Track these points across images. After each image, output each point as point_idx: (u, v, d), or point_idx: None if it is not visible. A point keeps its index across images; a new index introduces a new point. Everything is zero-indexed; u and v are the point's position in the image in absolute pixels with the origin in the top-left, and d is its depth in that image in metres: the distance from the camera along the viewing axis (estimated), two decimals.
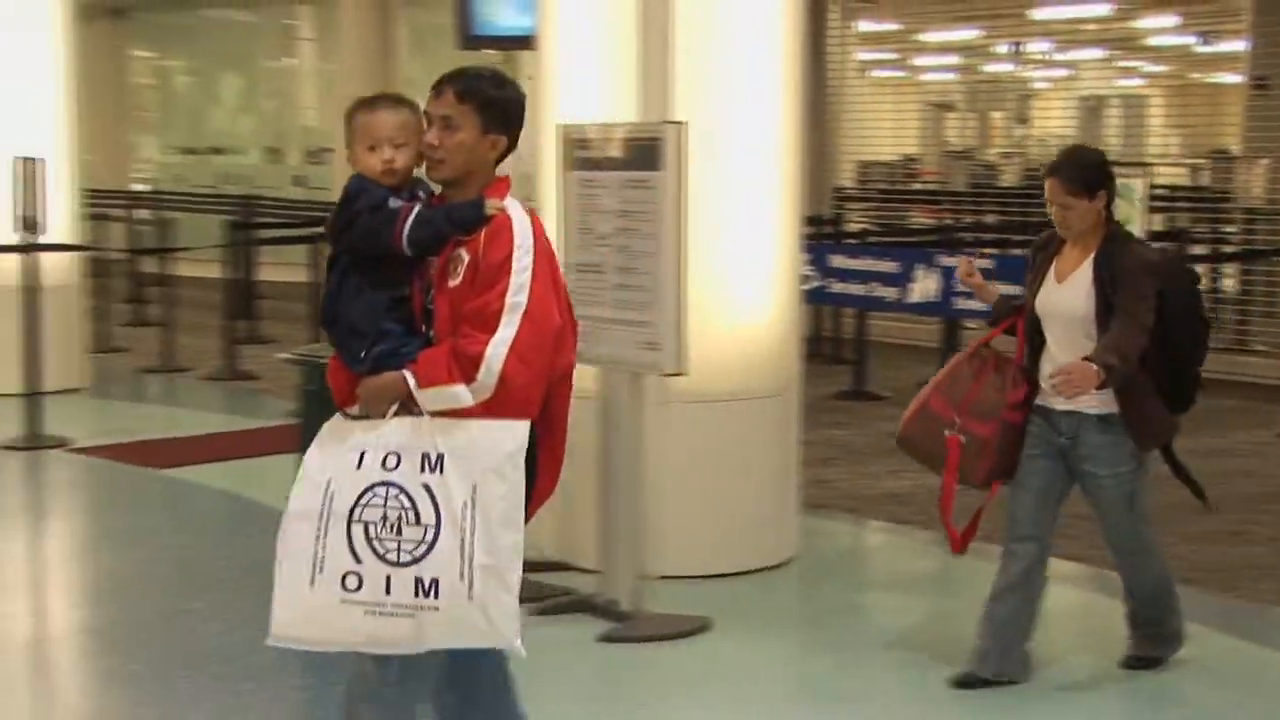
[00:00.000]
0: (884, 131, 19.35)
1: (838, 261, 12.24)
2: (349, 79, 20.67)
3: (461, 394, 4.05)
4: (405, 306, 4.22)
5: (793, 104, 7.59)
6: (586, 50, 7.47)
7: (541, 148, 7.48)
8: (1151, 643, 6.31)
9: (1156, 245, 6.49)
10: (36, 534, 8.98)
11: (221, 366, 13.87)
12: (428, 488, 4.08)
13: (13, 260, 11.44)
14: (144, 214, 19.52)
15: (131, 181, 24.44)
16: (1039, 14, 17.93)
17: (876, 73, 20.39)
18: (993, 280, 6.58)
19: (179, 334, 14.58)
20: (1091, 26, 19.01)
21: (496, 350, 4.02)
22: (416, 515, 4.08)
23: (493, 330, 4.03)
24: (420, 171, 4.32)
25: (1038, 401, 5.95)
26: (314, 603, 4.16)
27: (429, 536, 4.07)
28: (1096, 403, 5.77)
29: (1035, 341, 5.98)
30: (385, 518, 4.08)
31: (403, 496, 4.09)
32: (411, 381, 4.08)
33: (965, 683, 6.06)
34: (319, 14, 22.63)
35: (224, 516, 9.33)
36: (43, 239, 11.39)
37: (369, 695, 4.36)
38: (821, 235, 15.09)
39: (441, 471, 4.08)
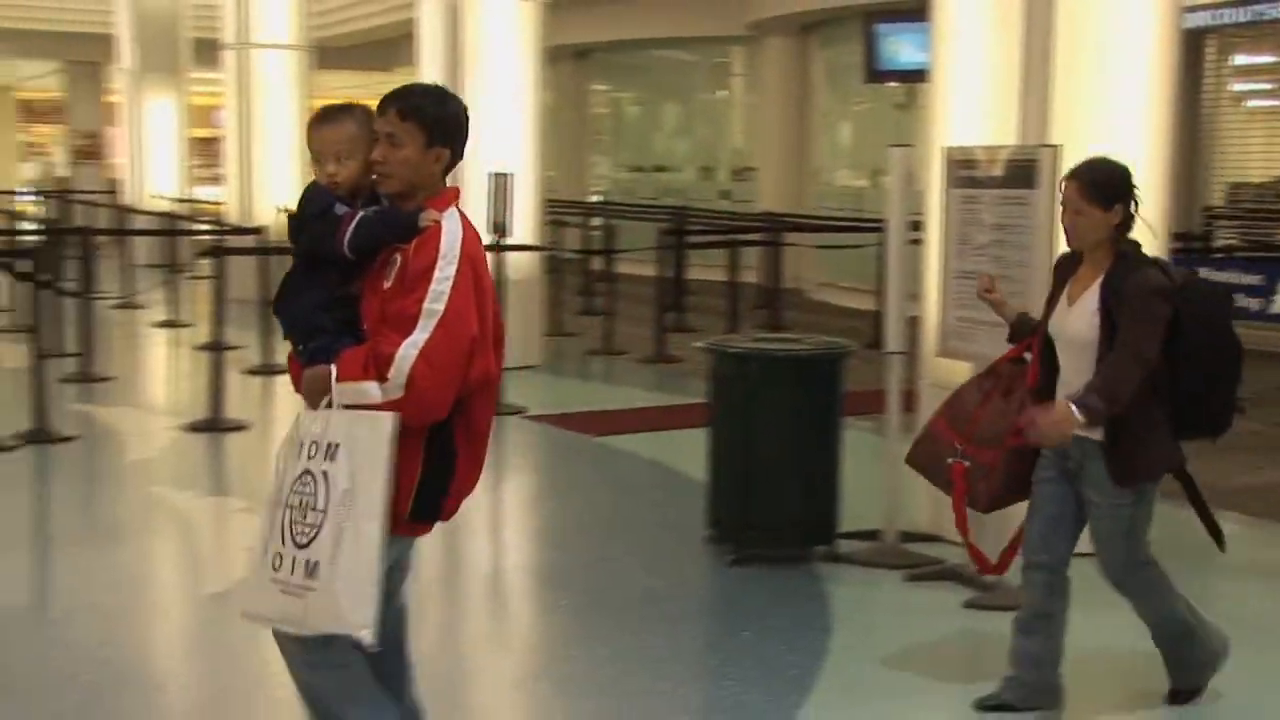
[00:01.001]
0: (1254, 156, 18.52)
1: (1204, 274, 11.76)
2: (770, 108, 20.73)
3: (372, 390, 3.79)
4: (350, 306, 3.96)
5: (1163, 128, 7.23)
6: (971, 82, 7.32)
7: (931, 168, 7.36)
8: (1181, 674, 5.35)
9: (1180, 268, 5.26)
10: (495, 487, 9.19)
11: (652, 351, 14.02)
12: (325, 475, 3.83)
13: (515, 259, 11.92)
14: (595, 221, 19.99)
15: (587, 194, 25.02)
16: None
17: (1252, 103, 19.45)
18: None
19: (619, 322, 14.84)
20: None
21: (407, 353, 3.75)
22: (315, 501, 3.84)
23: (408, 333, 3.77)
24: None
25: None
26: (260, 581, 3.94)
27: (319, 521, 3.82)
28: (1103, 429, 4.94)
29: (1050, 364, 5.10)
30: (302, 503, 3.85)
31: (311, 483, 3.85)
32: (333, 375, 3.85)
33: (990, 706, 5.26)
34: (747, 53, 22.77)
35: (645, 478, 9.42)
36: (510, 241, 11.77)
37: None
38: (1190, 250, 14.60)
39: (333, 460, 3.83)
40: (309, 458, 3.84)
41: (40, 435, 9.98)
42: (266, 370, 12.74)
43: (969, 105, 7.36)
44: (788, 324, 15.13)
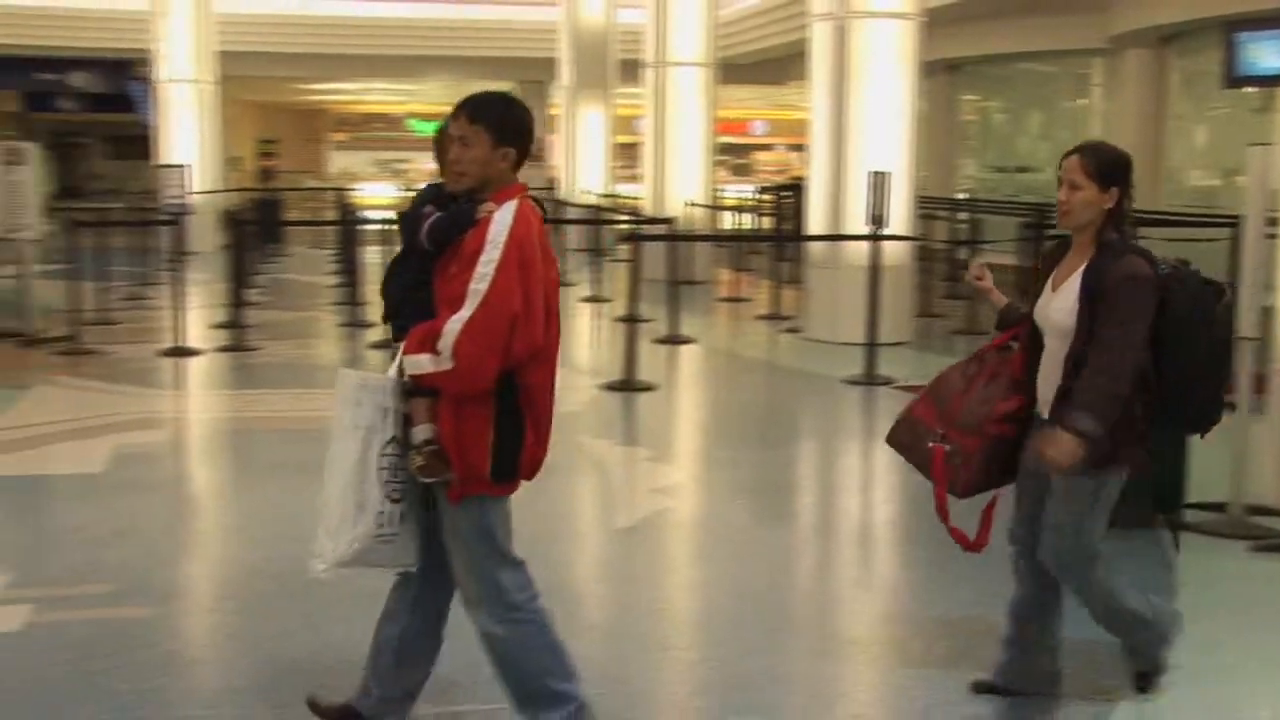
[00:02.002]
0: None
1: None
2: (1127, 114, 19.76)
3: (424, 362, 3.72)
4: (430, 288, 3.89)
5: None
6: None
7: None
8: (1138, 658, 4.65)
9: (1170, 258, 4.46)
10: (866, 452, 9.06)
11: None
12: (401, 442, 3.85)
13: (864, 247, 11.76)
14: (961, 216, 19.49)
15: (954, 192, 24.43)
16: None
17: None
18: None
19: (982, 305, 14.35)
20: None
21: (451, 328, 3.68)
22: (402, 463, 3.85)
23: (448, 315, 3.72)
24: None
25: (1036, 413, 4.39)
26: (355, 535, 3.83)
27: (406, 479, 3.87)
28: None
29: (1036, 352, 4.39)
30: (390, 466, 3.83)
31: (400, 449, 3.85)
32: (403, 361, 3.80)
33: (985, 689, 4.66)
34: (1107, 64, 21.77)
35: None
36: (886, 232, 11.56)
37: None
38: None
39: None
40: (396, 427, 3.84)
41: None
42: (673, 340, 12.85)
43: None
44: None
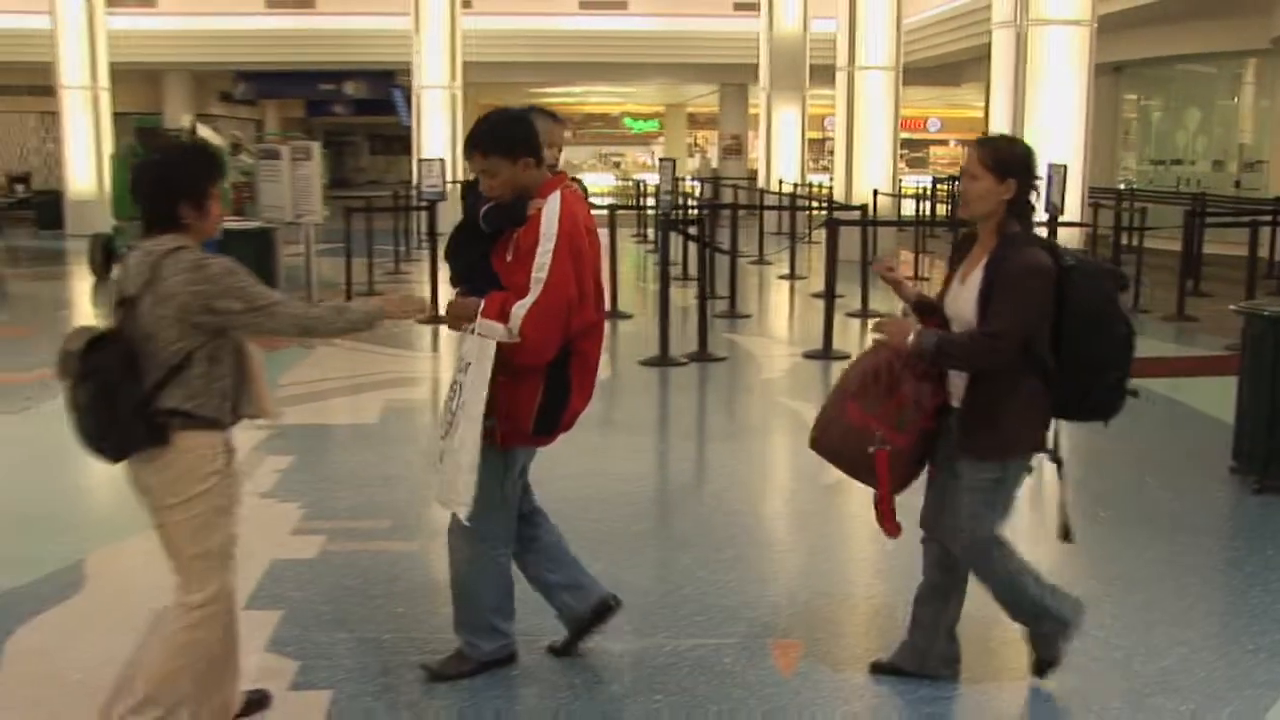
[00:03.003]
0: None
1: None
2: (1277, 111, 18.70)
3: (499, 330, 3.76)
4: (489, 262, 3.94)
5: None
6: None
7: None
8: (1040, 646, 4.13)
9: (1074, 250, 4.00)
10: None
11: (1174, 311, 12.90)
12: (458, 384, 3.85)
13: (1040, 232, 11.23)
14: (1125, 206, 18.67)
15: (1115, 182, 23.47)
16: None
17: None
18: None
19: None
20: None
21: (518, 313, 3.76)
22: (451, 403, 3.88)
23: (523, 297, 3.78)
24: None
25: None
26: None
27: (451, 420, 3.86)
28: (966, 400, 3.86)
29: None
30: (446, 404, 3.92)
31: (455, 390, 3.87)
32: (480, 308, 3.81)
33: (884, 669, 4.20)
34: (1260, 65, 20.64)
35: (1171, 417, 8.59)
36: (1062, 219, 11.11)
37: None
38: None
39: (465, 372, 3.83)
40: (457, 370, 3.86)
41: (702, 355, 10.27)
42: (864, 314, 12.59)
43: None
44: None
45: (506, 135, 3.86)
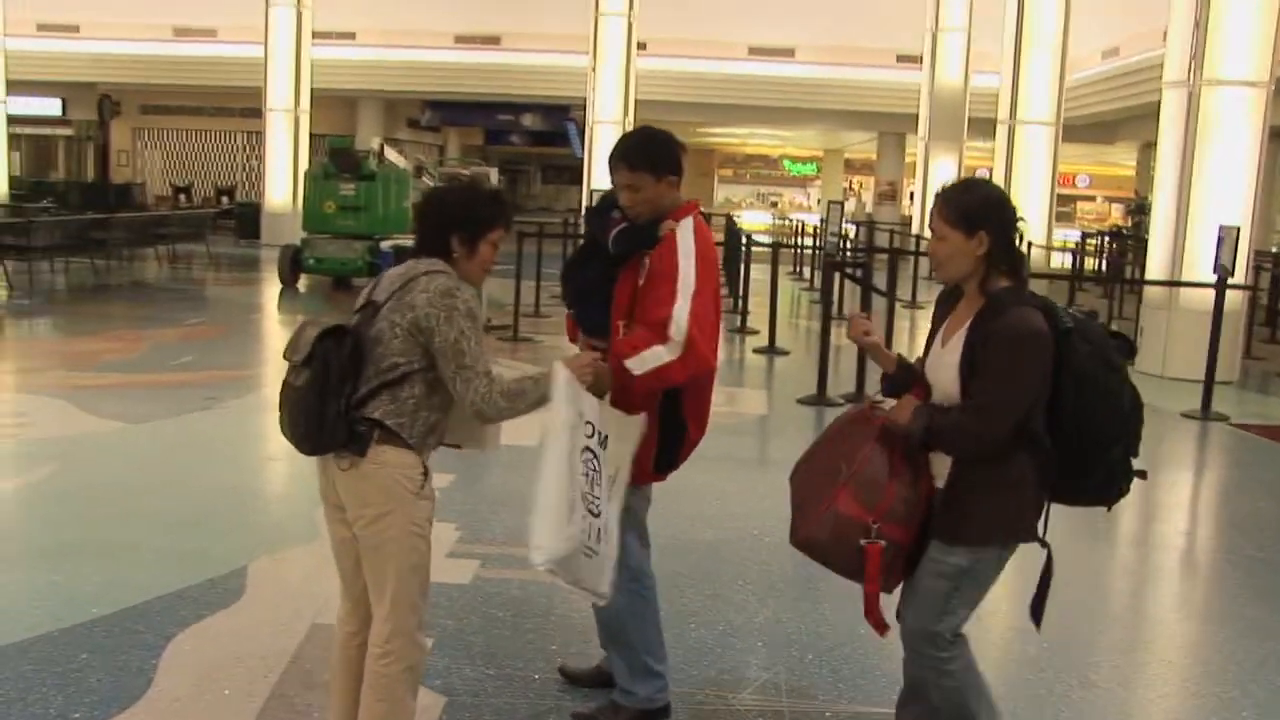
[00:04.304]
0: None
1: None
2: None
3: (661, 352, 3.35)
4: (610, 286, 3.58)
5: None
6: None
7: None
8: None
9: (1074, 311, 3.09)
10: (1196, 484, 8.04)
11: None
12: (598, 457, 3.31)
13: (1208, 294, 10.43)
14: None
15: (1269, 246, 22.18)
16: None
17: None
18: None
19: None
20: None
21: (680, 313, 3.35)
22: (599, 478, 3.31)
23: (665, 312, 3.35)
24: None
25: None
26: (569, 534, 3.22)
27: (603, 495, 3.33)
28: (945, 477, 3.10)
29: None
30: (588, 475, 3.27)
31: (595, 461, 3.30)
32: (627, 364, 3.36)
33: None
34: None
35: None
36: (1231, 281, 10.32)
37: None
38: None
39: (605, 448, 3.32)
40: (587, 436, 3.28)
41: (859, 396, 9.77)
42: None
43: None
44: None
45: (655, 152, 3.58)
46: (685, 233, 3.54)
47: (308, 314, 13.90)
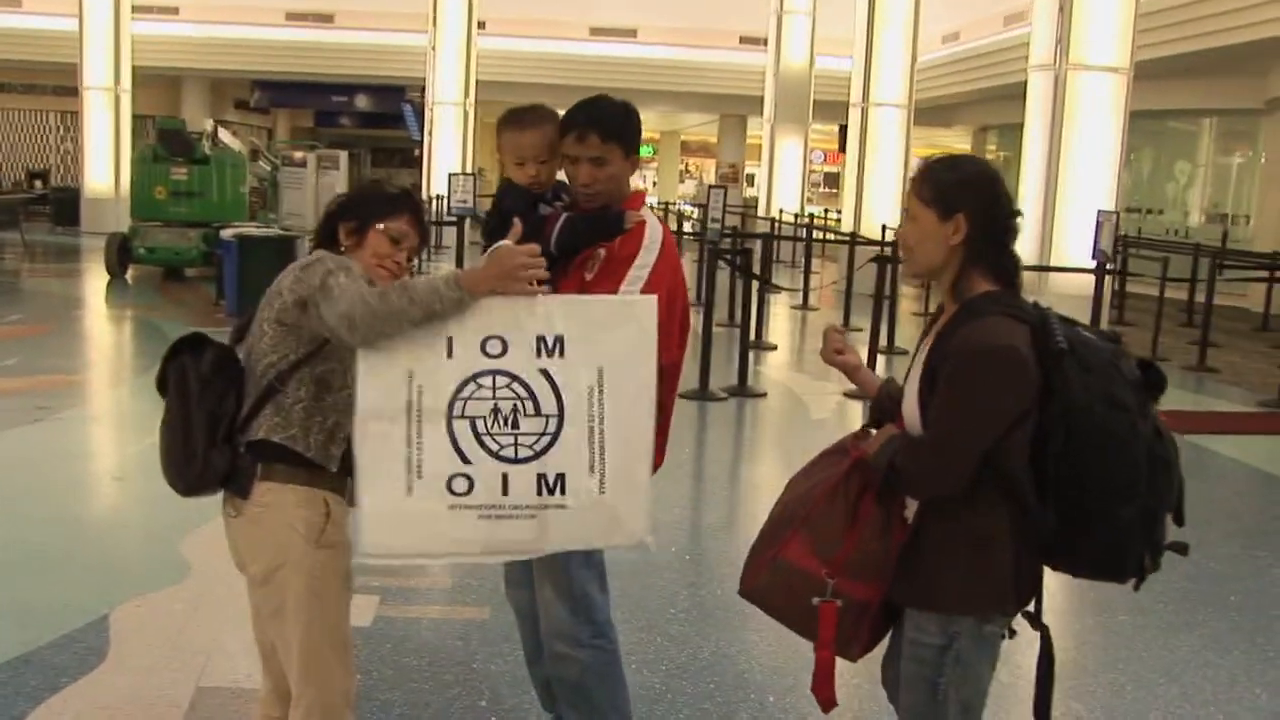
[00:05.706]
0: None
1: None
2: (1274, 165, 18.03)
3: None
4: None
5: None
6: None
7: None
8: None
9: (1073, 326, 2.37)
10: None
11: (1193, 362, 12.06)
12: (546, 373, 2.48)
13: (1079, 278, 10.36)
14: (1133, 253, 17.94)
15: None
16: None
17: None
18: None
19: (1141, 332, 12.91)
20: None
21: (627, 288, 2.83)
22: (535, 405, 2.46)
23: (618, 285, 2.83)
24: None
25: None
26: (413, 510, 2.45)
27: (551, 428, 2.47)
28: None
29: None
30: (496, 410, 2.45)
31: (516, 385, 2.47)
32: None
33: None
34: (1252, 123, 19.98)
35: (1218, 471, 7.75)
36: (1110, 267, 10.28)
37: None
38: None
39: (561, 355, 2.49)
40: (490, 355, 2.48)
41: (742, 390, 9.37)
42: (886, 350, 11.62)
43: None
44: None
45: (632, 126, 3.02)
46: (654, 227, 3.00)
47: (139, 308, 12.85)
